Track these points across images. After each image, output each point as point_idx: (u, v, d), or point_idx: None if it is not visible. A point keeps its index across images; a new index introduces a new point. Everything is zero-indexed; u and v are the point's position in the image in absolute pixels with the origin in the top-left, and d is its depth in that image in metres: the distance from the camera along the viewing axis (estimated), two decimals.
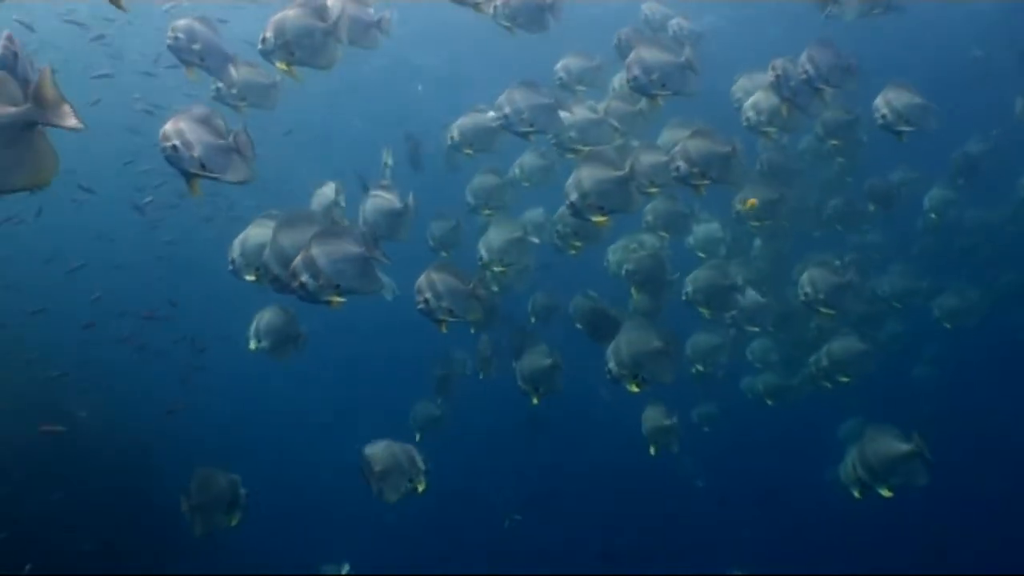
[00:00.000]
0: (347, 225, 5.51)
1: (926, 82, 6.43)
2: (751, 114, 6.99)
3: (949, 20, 14.90)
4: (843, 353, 7.65)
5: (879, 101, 6.37)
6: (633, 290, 7.29)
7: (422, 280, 5.36)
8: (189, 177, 4.43)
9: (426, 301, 5.32)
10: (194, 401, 12.02)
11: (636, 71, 6.02)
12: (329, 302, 4.58)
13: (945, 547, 12.76)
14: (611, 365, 5.80)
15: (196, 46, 5.48)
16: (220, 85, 6.03)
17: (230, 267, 5.38)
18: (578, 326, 7.61)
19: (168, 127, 4.35)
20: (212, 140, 4.40)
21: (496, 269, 6.49)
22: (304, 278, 4.48)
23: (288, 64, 5.28)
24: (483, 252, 6.54)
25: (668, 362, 5.85)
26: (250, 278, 5.30)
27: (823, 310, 6.74)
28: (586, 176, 5.50)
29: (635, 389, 5.88)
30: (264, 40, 5.24)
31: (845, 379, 7.65)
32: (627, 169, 5.55)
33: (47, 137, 2.56)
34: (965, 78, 14.51)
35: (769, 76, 6.41)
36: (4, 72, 2.52)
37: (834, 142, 8.22)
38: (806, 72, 6.29)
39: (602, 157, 5.63)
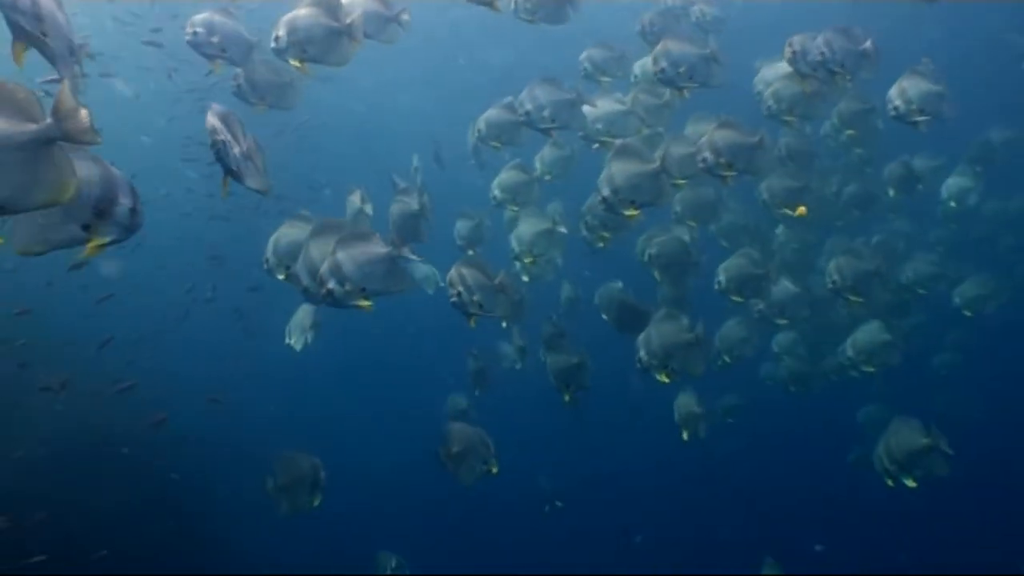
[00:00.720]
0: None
1: (962, 68, 6.35)
2: (772, 103, 7.01)
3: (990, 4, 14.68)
4: (868, 344, 7.68)
5: (893, 91, 6.29)
6: (657, 274, 7.30)
7: (453, 274, 5.40)
8: (226, 174, 4.45)
9: (459, 294, 5.36)
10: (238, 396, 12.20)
11: (664, 64, 6.09)
12: (358, 306, 4.55)
13: (965, 538, 12.78)
14: (642, 355, 5.89)
15: (215, 39, 5.51)
16: (241, 83, 5.98)
17: (264, 266, 5.47)
18: (604, 316, 7.70)
19: (213, 121, 4.36)
20: (237, 142, 4.44)
21: (526, 260, 6.57)
22: (331, 284, 4.44)
23: (301, 61, 5.30)
24: (514, 244, 6.64)
25: (698, 354, 5.95)
26: (281, 277, 5.37)
27: (851, 298, 6.78)
28: (617, 171, 5.56)
29: (665, 379, 5.97)
30: (277, 39, 5.26)
31: (870, 369, 7.67)
32: (659, 162, 5.59)
33: (66, 153, 2.53)
34: (1001, 64, 14.36)
35: (786, 52, 6.39)
36: (27, 90, 2.48)
37: (850, 132, 8.20)
38: (822, 54, 6.25)
39: (632, 151, 5.67)
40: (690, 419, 7.08)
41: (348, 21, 5.26)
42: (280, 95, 6.05)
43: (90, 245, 2.97)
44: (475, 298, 5.34)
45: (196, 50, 5.58)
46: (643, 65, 7.51)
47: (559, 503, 13.35)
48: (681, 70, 6.08)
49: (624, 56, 7.51)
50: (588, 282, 8.56)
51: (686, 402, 7.18)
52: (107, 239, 3.00)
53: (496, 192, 7.45)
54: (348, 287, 4.45)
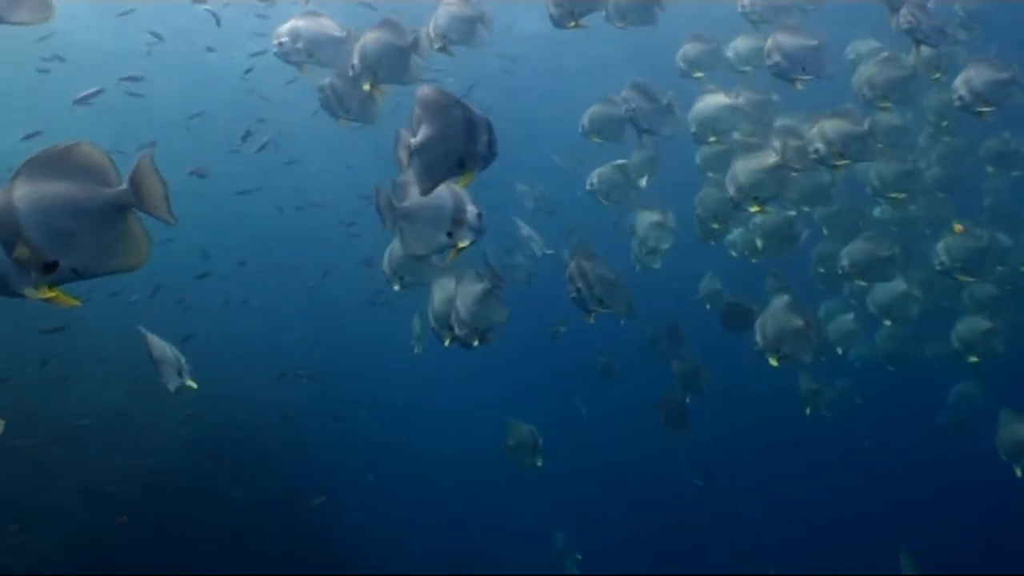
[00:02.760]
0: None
1: None
2: (866, 90, 7.03)
3: None
4: (970, 334, 7.64)
5: (958, 81, 6.19)
6: (759, 241, 7.33)
7: (573, 268, 5.21)
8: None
9: (578, 290, 5.16)
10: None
11: (777, 57, 6.21)
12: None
13: None
14: (758, 339, 6.10)
15: (300, 44, 5.62)
16: (329, 95, 5.93)
17: (385, 277, 5.68)
18: (707, 306, 7.92)
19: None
20: None
21: (643, 251, 6.84)
22: (457, 331, 4.74)
23: (373, 84, 5.44)
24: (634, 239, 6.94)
25: (808, 341, 6.11)
26: (397, 287, 5.52)
27: (961, 277, 6.78)
28: (740, 170, 5.75)
29: (775, 364, 6.16)
30: (352, 67, 5.38)
31: (975, 359, 7.62)
32: (780, 158, 5.73)
33: (139, 220, 2.47)
34: None
35: None
36: (102, 152, 2.43)
37: (946, 123, 8.15)
38: (909, 23, 6.23)
39: (752, 148, 5.86)
40: (811, 395, 7.55)
41: (412, 39, 5.36)
42: (362, 108, 5.97)
43: (453, 251, 3.52)
44: (595, 292, 5.16)
45: (283, 60, 5.70)
46: (736, 48, 7.59)
47: (699, 481, 13.73)
48: (794, 62, 6.20)
49: (719, 48, 7.59)
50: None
51: (807, 381, 7.80)
52: (466, 242, 3.49)
53: (593, 180, 7.51)
54: (464, 331, 4.71)
